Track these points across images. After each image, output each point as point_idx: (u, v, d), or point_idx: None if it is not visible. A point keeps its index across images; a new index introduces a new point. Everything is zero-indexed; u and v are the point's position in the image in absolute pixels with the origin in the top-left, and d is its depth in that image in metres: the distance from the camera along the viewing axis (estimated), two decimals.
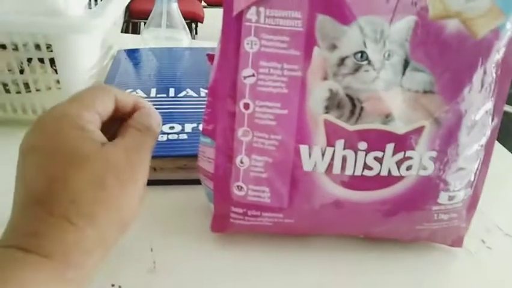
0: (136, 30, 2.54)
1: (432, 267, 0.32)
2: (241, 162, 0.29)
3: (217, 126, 0.29)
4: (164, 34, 0.67)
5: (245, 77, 0.27)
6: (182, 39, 0.67)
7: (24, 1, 0.36)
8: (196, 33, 2.82)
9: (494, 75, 0.28)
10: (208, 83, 0.29)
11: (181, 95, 0.50)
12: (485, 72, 0.28)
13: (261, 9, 0.26)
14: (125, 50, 0.62)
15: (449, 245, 0.33)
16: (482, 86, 0.28)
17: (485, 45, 0.27)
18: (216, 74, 0.28)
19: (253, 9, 0.26)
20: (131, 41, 0.68)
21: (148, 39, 0.67)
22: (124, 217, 0.24)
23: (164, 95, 0.49)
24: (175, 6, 0.63)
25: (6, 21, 0.36)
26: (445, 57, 0.27)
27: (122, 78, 0.53)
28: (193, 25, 2.64)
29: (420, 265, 0.32)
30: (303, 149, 0.28)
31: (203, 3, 3.05)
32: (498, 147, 0.54)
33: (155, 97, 0.49)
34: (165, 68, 0.58)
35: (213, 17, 2.90)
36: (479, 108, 0.29)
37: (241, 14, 0.26)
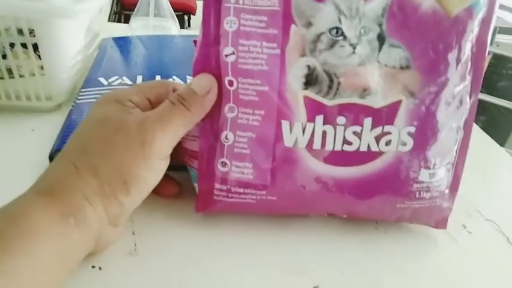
0: (127, 22, 2.56)
1: (413, 251, 0.35)
2: (226, 138, 0.31)
3: None
4: (152, 23, 0.69)
5: (226, 55, 0.30)
6: (170, 28, 0.70)
7: None
8: (189, 25, 2.84)
9: (469, 53, 0.31)
10: (193, 63, 0.31)
11: None
12: (460, 50, 0.31)
13: None
14: (112, 38, 0.65)
15: (433, 227, 0.36)
16: (457, 63, 0.31)
17: (460, 23, 0.30)
18: (199, 52, 0.31)
19: None
20: (118, 29, 0.70)
21: (136, 28, 0.69)
22: (125, 177, 0.27)
23: None
24: None
25: None
26: (421, 34, 0.30)
27: (108, 65, 0.56)
28: (186, 17, 2.66)
29: (400, 250, 0.35)
30: (285, 124, 0.31)
31: None
32: (485, 138, 0.57)
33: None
34: (152, 55, 0.61)
35: None
36: (456, 85, 0.31)
37: None
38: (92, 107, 0.31)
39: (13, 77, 0.46)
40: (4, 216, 0.24)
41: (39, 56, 0.44)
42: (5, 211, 0.24)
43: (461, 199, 0.36)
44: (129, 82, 0.51)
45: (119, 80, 0.51)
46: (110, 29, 0.71)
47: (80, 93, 0.49)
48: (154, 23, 0.70)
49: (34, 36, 0.42)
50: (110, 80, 0.51)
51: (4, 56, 0.44)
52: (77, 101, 0.47)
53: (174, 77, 0.54)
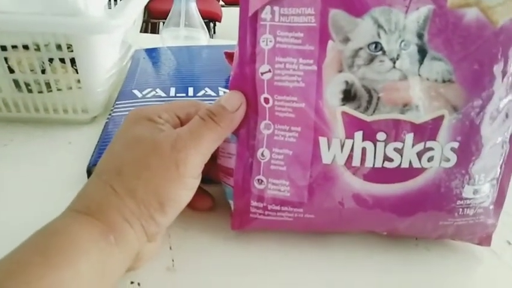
0: (155, 30, 2.60)
1: (457, 268, 0.33)
2: (262, 155, 0.31)
3: (241, 121, 0.31)
4: (183, 33, 0.70)
5: (262, 73, 0.29)
6: (200, 38, 0.70)
7: (46, 2, 0.39)
8: (215, 32, 2.87)
9: None
10: (229, 81, 0.31)
11: (200, 94, 0.52)
12: (506, 62, 0.29)
13: (275, 8, 0.28)
14: (144, 49, 0.65)
15: (476, 243, 0.34)
16: (503, 75, 0.29)
17: (506, 34, 0.28)
18: (235, 71, 0.30)
19: (267, 8, 0.28)
20: (150, 40, 0.71)
21: (167, 38, 0.69)
22: (161, 199, 0.27)
23: (184, 95, 0.52)
24: (193, 5, 0.66)
25: (28, 21, 0.39)
26: (464, 46, 0.29)
27: (141, 77, 0.56)
28: (212, 24, 2.68)
29: (443, 266, 0.33)
30: (322, 141, 0.30)
31: (221, 3, 3.10)
32: None
33: (175, 96, 0.51)
34: (184, 66, 0.60)
35: (231, 16, 2.95)
36: (501, 98, 0.30)
37: (256, 13, 0.29)
38: (124, 123, 0.31)
39: (51, 91, 0.46)
40: (47, 233, 0.24)
41: (76, 70, 0.45)
42: (47, 228, 0.25)
43: (506, 214, 0.34)
44: (163, 94, 0.51)
45: (153, 92, 0.52)
46: (142, 40, 0.71)
47: (115, 106, 0.49)
48: (185, 33, 0.70)
49: (72, 51, 0.43)
50: (144, 93, 0.51)
51: (43, 71, 0.44)
52: (113, 114, 0.48)
53: (207, 89, 0.53)
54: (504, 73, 0.29)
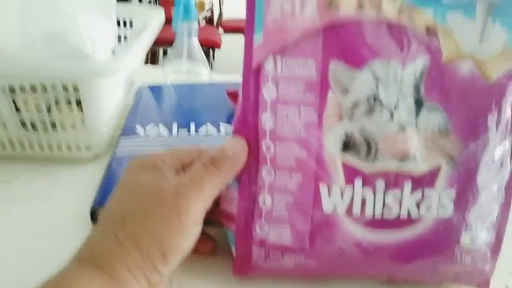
0: (154, 57, 2.64)
1: None
2: (264, 201, 0.31)
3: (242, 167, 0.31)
4: (184, 67, 0.71)
5: (265, 122, 0.30)
6: (202, 72, 0.71)
7: (54, 47, 0.40)
8: (214, 58, 2.91)
9: (510, 114, 0.30)
10: (232, 126, 0.31)
11: (202, 129, 0.53)
12: (499, 113, 0.30)
13: (278, 59, 0.29)
14: (147, 87, 0.66)
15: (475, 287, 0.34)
16: (497, 126, 0.30)
17: (499, 87, 0.29)
18: (238, 118, 0.31)
19: (270, 59, 0.29)
20: (152, 73, 0.72)
21: (169, 72, 0.71)
22: (164, 249, 0.27)
23: (186, 130, 0.52)
24: (195, 40, 0.67)
25: (38, 66, 0.40)
26: (459, 98, 0.29)
27: (144, 114, 0.56)
28: (211, 51, 2.72)
29: None
30: (323, 188, 0.30)
31: (220, 30, 3.15)
32: None
33: (177, 132, 0.52)
34: (186, 103, 0.61)
35: (230, 43, 3.01)
36: (495, 147, 0.30)
37: (259, 64, 0.30)
38: (127, 170, 0.31)
39: (56, 129, 0.47)
40: (53, 285, 0.24)
41: (81, 110, 0.45)
42: (53, 280, 0.25)
43: (504, 258, 0.34)
44: (165, 130, 0.52)
45: (156, 129, 0.52)
46: (144, 73, 0.72)
47: (119, 144, 0.49)
48: (186, 67, 0.71)
49: (78, 92, 0.43)
50: (146, 128, 0.52)
51: (49, 110, 0.45)
52: (116, 152, 0.48)
53: (208, 124, 0.54)
54: (498, 123, 0.30)
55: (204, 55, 0.72)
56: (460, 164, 0.30)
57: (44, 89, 0.43)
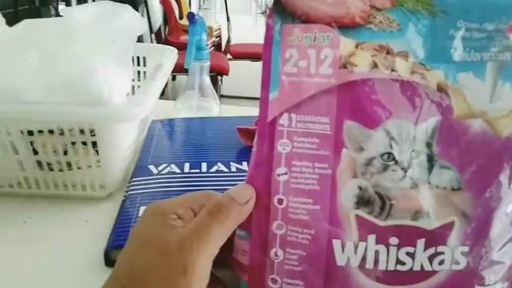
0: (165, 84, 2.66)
1: None
2: (276, 255, 0.31)
3: (253, 220, 0.31)
4: (196, 103, 0.72)
5: (279, 175, 0.30)
6: (212, 108, 0.72)
7: (72, 92, 0.41)
8: (222, 82, 2.93)
9: None
10: (246, 179, 0.32)
11: (213, 169, 0.53)
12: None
13: (293, 115, 0.30)
14: (159, 121, 0.67)
15: None
16: (510, 182, 0.30)
17: (511, 144, 0.29)
18: (252, 172, 0.31)
19: (285, 115, 0.30)
20: (164, 108, 0.73)
21: (181, 108, 0.72)
22: None
23: (197, 171, 0.53)
24: (207, 79, 0.69)
25: (56, 111, 0.41)
26: (471, 155, 0.30)
27: (156, 151, 0.57)
28: (219, 77, 2.75)
29: None
30: (336, 243, 0.30)
31: (228, 56, 3.19)
32: None
33: (189, 173, 0.52)
34: (197, 139, 0.62)
35: (237, 68, 3.04)
36: (508, 204, 0.30)
37: (274, 119, 0.30)
38: (140, 219, 0.31)
39: (71, 169, 0.47)
40: None
41: (97, 152, 0.46)
42: None
43: None
44: (177, 170, 0.52)
45: (168, 168, 0.53)
46: (158, 108, 0.73)
47: (132, 183, 0.50)
48: (198, 103, 0.72)
49: (94, 135, 0.44)
50: (159, 168, 0.53)
51: (65, 152, 0.46)
52: (129, 191, 0.48)
53: (219, 164, 0.55)
54: (510, 180, 0.30)
55: (214, 90, 0.73)
56: (473, 221, 0.30)
57: (62, 132, 0.44)
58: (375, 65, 0.29)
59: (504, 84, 0.30)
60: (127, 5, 0.49)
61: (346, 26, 0.29)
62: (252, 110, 0.77)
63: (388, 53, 0.29)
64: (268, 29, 0.30)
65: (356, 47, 0.29)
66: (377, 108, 0.29)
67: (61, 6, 2.66)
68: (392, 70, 0.29)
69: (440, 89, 0.29)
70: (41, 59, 0.42)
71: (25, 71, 0.42)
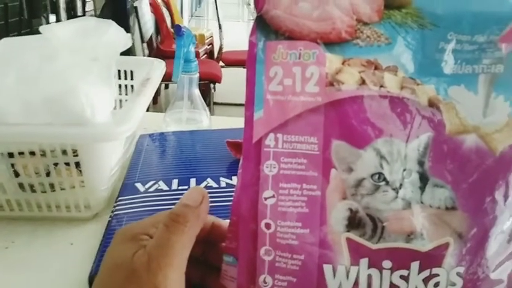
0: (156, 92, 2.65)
1: None
2: (265, 281, 0.29)
3: (240, 245, 0.30)
4: (185, 116, 0.70)
5: (266, 198, 0.29)
6: (202, 120, 0.71)
7: (54, 113, 0.39)
8: (215, 90, 2.92)
9: None
10: (231, 205, 0.30)
11: (202, 185, 0.52)
12: (507, 187, 0.28)
13: (279, 135, 0.28)
14: (148, 135, 0.65)
15: None
16: (505, 200, 0.28)
17: (506, 160, 0.28)
18: (238, 195, 0.30)
19: (271, 135, 0.28)
20: (153, 121, 0.71)
21: (170, 121, 0.70)
22: None
23: (186, 187, 0.51)
24: (196, 91, 0.67)
25: (37, 133, 0.39)
26: (465, 172, 0.28)
27: (144, 168, 0.55)
28: (212, 85, 2.73)
29: None
30: (327, 268, 0.29)
31: (221, 63, 3.18)
32: None
33: (177, 189, 0.51)
34: (186, 153, 0.60)
35: (230, 76, 3.03)
36: (504, 221, 0.29)
37: (260, 139, 0.28)
38: (111, 245, 0.30)
39: (54, 190, 0.46)
40: None
41: (80, 172, 0.44)
42: None
43: None
44: (165, 187, 0.51)
45: (156, 186, 0.51)
46: (146, 121, 0.71)
47: (118, 202, 0.48)
48: (188, 115, 0.71)
49: (77, 155, 0.43)
50: (146, 186, 0.51)
51: (48, 174, 0.44)
52: (115, 211, 0.47)
53: (209, 179, 0.53)
54: (506, 197, 0.29)
55: (204, 103, 0.72)
56: (468, 240, 0.28)
57: (43, 153, 0.42)
58: (363, 82, 0.28)
59: (497, 97, 0.28)
60: (110, 21, 0.47)
61: (332, 42, 0.28)
62: (243, 121, 0.76)
63: (376, 68, 0.28)
64: (252, 46, 0.28)
65: (343, 63, 0.28)
66: (366, 127, 0.27)
67: (52, 17, 2.64)
68: (381, 86, 0.28)
69: (432, 103, 0.28)
70: (21, 78, 0.41)
71: (4, 92, 0.40)
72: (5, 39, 0.45)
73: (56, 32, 0.44)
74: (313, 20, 0.28)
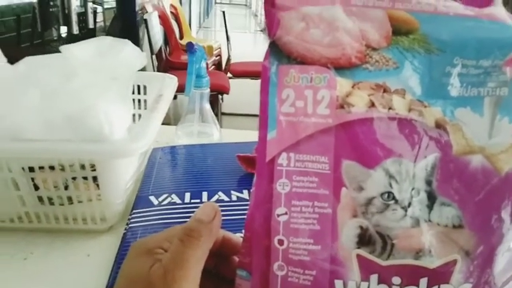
0: None
1: None
2: None
3: (253, 260, 0.31)
4: (196, 129, 0.72)
5: (278, 215, 0.30)
6: (213, 134, 0.72)
7: (73, 129, 0.41)
8: (222, 100, 2.94)
9: None
10: (245, 222, 0.31)
11: (214, 199, 0.53)
12: None
13: (291, 154, 0.29)
14: (160, 148, 0.67)
15: None
16: (511, 218, 0.29)
17: (511, 180, 0.29)
18: (252, 212, 0.31)
19: (284, 154, 0.29)
20: (165, 134, 0.73)
21: (181, 135, 0.71)
22: None
23: (198, 200, 0.52)
24: (207, 106, 0.68)
25: (57, 149, 0.40)
26: (471, 192, 0.29)
27: (157, 181, 0.57)
28: (220, 96, 2.76)
29: None
30: (338, 284, 0.29)
31: (229, 75, 3.20)
32: None
33: (190, 203, 0.52)
34: (198, 167, 0.62)
35: (238, 87, 3.06)
36: (511, 239, 0.30)
37: (273, 159, 0.30)
38: (126, 257, 0.31)
39: (72, 203, 0.47)
40: None
41: (97, 186, 0.46)
42: None
43: None
44: (178, 201, 0.52)
45: (169, 199, 0.52)
46: (158, 134, 0.73)
47: (132, 215, 0.49)
48: (198, 129, 0.72)
49: (94, 170, 0.44)
50: (160, 199, 0.52)
51: (66, 187, 0.45)
52: (130, 224, 0.48)
53: (220, 193, 0.54)
54: None
55: (214, 116, 0.73)
56: (476, 258, 0.29)
57: (62, 168, 0.43)
58: (372, 104, 0.29)
59: (502, 119, 0.29)
60: (126, 40, 0.49)
61: (342, 67, 0.29)
62: (253, 134, 0.77)
63: (385, 91, 0.29)
64: (265, 70, 0.30)
65: (353, 86, 0.29)
66: (375, 148, 0.28)
67: (63, 29, 2.69)
68: (390, 108, 0.29)
69: (438, 125, 0.29)
70: (42, 96, 0.42)
71: (26, 109, 0.41)
72: (27, 58, 0.46)
73: (74, 51, 0.46)
74: (324, 46, 0.29)
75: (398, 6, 0.30)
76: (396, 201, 0.29)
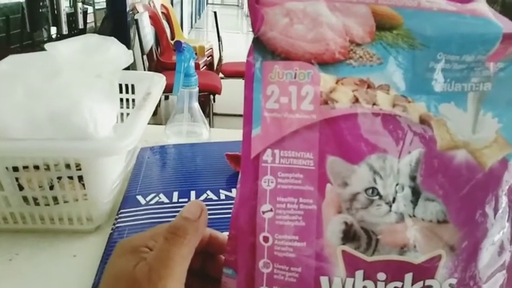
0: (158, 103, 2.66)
1: None
2: None
3: (239, 258, 0.31)
4: (185, 129, 0.71)
5: (263, 212, 0.30)
6: (202, 133, 0.72)
7: (57, 128, 0.40)
8: (214, 101, 2.94)
9: (506, 200, 0.30)
10: (230, 221, 0.31)
11: (202, 198, 0.53)
12: (497, 200, 0.29)
13: (276, 151, 0.29)
14: (149, 148, 0.66)
15: None
16: (495, 213, 0.29)
17: (495, 175, 0.29)
18: (237, 209, 0.30)
19: (268, 151, 0.29)
20: (154, 134, 0.72)
21: (170, 134, 0.71)
22: None
23: (186, 200, 0.52)
24: (196, 105, 0.68)
25: (42, 147, 0.40)
26: (456, 187, 0.29)
27: (145, 181, 0.56)
28: (211, 96, 2.75)
29: None
30: (323, 280, 0.29)
31: (220, 75, 3.20)
32: None
33: (178, 202, 0.51)
34: (186, 166, 0.61)
35: (230, 87, 3.05)
36: (495, 234, 0.30)
37: (258, 155, 0.29)
38: (111, 257, 0.31)
39: (58, 203, 0.46)
40: None
41: (83, 185, 0.45)
42: None
43: None
44: (166, 200, 0.52)
45: (156, 198, 0.52)
46: (147, 134, 0.72)
47: (120, 214, 0.49)
48: (187, 128, 0.72)
49: (80, 169, 0.43)
50: (147, 199, 0.52)
51: (51, 187, 0.45)
52: (117, 224, 0.47)
53: (208, 192, 0.54)
54: (496, 211, 0.29)
55: (203, 116, 0.73)
56: (460, 253, 0.29)
57: (47, 167, 0.43)
58: (356, 100, 0.29)
59: (486, 114, 0.29)
60: (112, 38, 0.48)
61: (326, 63, 0.29)
62: (241, 133, 0.77)
63: (369, 87, 0.29)
64: (249, 66, 0.30)
65: (337, 82, 0.29)
66: (359, 143, 0.28)
67: (53, 29, 2.66)
68: (374, 104, 0.29)
69: (423, 120, 0.29)
70: (26, 94, 0.42)
71: (10, 107, 0.41)
72: (11, 56, 0.46)
73: (61, 49, 0.46)
74: (308, 41, 0.29)
75: (381, 1, 0.30)
76: (381, 197, 0.29)
